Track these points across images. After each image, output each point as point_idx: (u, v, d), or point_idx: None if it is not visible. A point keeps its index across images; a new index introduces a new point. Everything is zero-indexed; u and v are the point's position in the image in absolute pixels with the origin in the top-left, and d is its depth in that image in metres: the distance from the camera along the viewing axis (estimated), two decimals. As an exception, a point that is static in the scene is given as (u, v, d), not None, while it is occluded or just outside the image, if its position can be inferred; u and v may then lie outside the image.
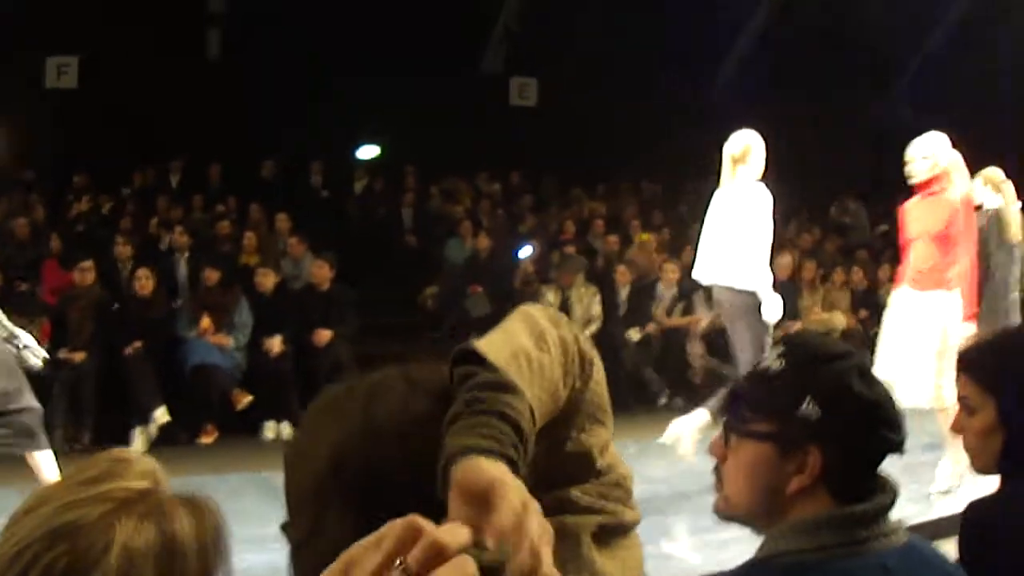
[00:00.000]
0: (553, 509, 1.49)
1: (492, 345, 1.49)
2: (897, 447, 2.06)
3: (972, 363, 2.75)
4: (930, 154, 8.20)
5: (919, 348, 8.08)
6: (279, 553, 5.17)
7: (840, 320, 14.59)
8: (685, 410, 12.56)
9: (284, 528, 1.52)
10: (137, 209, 15.06)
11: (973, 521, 2.59)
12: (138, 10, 15.78)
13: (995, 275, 10.53)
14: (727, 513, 2.20)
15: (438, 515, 1.17)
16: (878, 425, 2.02)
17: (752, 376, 2.16)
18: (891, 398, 2.06)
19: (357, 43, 17.30)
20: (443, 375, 1.47)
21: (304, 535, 1.45)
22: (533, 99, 19.96)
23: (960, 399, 2.75)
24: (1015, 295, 10.63)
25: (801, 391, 2.04)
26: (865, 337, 14.53)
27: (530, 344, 1.53)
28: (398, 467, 1.37)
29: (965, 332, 7.88)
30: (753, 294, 8.10)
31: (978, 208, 10.47)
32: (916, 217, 8.30)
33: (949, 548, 2.39)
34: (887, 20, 19.73)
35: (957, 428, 2.76)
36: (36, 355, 6.98)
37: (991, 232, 10.46)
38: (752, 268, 8.11)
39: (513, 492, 1.18)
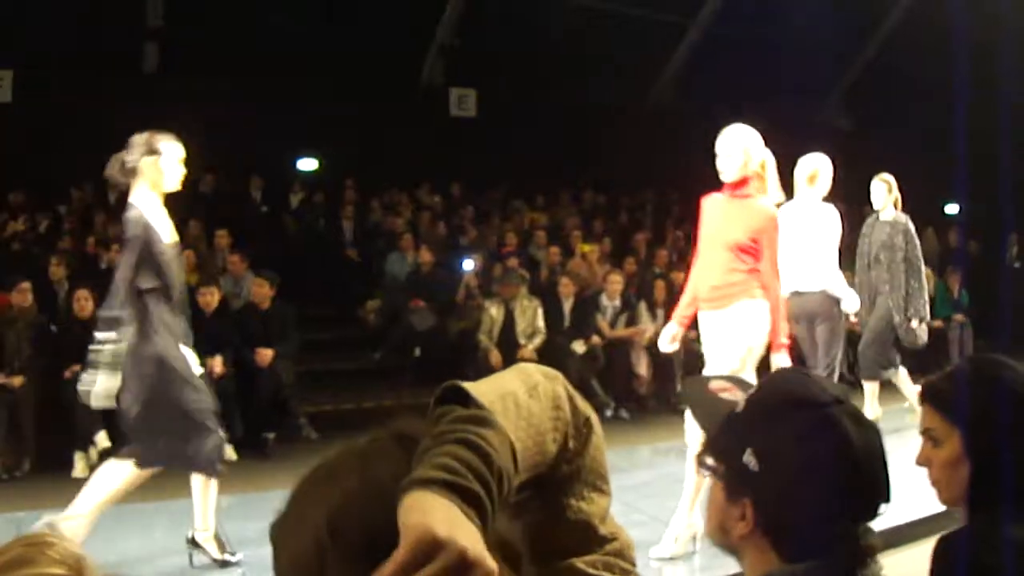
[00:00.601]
0: None
1: (478, 386, 1.44)
2: (859, 515, 1.95)
3: (936, 394, 2.71)
4: (739, 151, 7.17)
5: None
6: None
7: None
8: (632, 421, 12.61)
9: None
10: (75, 227, 14.86)
11: (944, 555, 2.55)
12: (74, 23, 15.59)
13: (894, 286, 10.62)
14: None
15: None
16: (824, 490, 1.91)
17: (729, 413, 2.10)
18: (858, 461, 1.92)
19: (296, 55, 17.20)
20: None
21: None
22: (472, 110, 19.92)
23: (924, 431, 2.71)
24: (924, 309, 10.68)
25: (746, 440, 1.98)
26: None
27: (520, 391, 1.48)
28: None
29: (779, 362, 6.96)
30: (832, 294, 9.34)
31: (874, 213, 10.76)
32: (718, 218, 7.26)
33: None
34: (824, 28, 19.85)
35: (923, 461, 2.72)
36: None
37: (893, 242, 10.56)
38: (826, 271, 9.31)
39: (412, 548, 1.13)
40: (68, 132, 15.45)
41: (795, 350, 9.65)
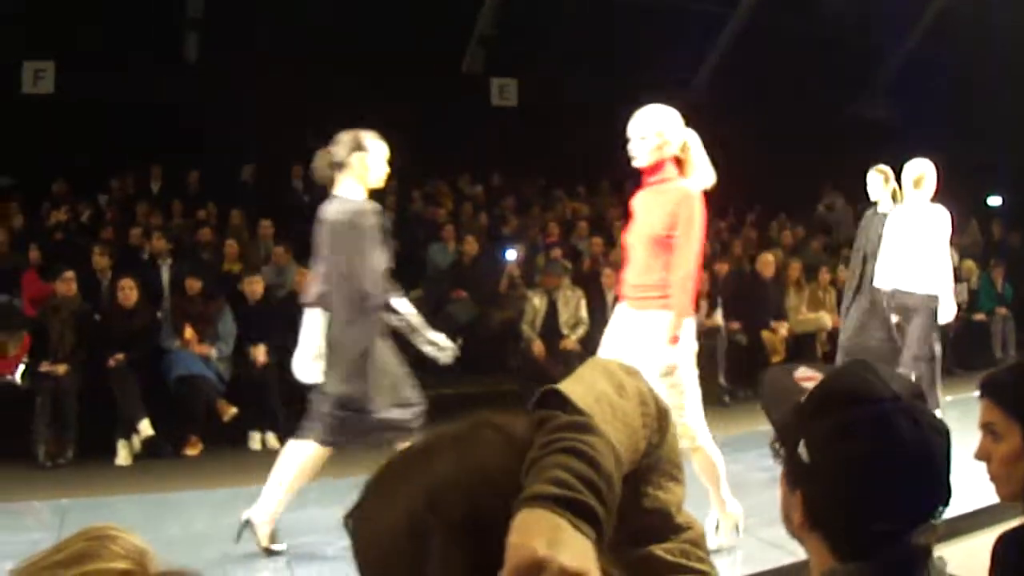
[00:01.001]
0: (641, 569, 1.47)
1: (574, 389, 1.43)
2: (911, 516, 1.89)
3: (997, 388, 2.68)
4: (651, 133, 6.66)
5: None
6: (267, 572, 5.07)
7: (827, 320, 14.52)
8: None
9: None
10: (117, 216, 14.92)
11: (1005, 554, 2.52)
12: (115, 14, 15.64)
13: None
14: None
15: None
16: (870, 487, 1.87)
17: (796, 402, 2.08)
18: (910, 460, 1.86)
19: (336, 45, 17.21)
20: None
21: None
22: (513, 99, 19.88)
23: (985, 425, 2.67)
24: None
25: (800, 433, 1.96)
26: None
27: (611, 390, 1.48)
28: (503, 516, 1.24)
29: (677, 357, 6.45)
30: (934, 297, 9.54)
31: (873, 205, 10.38)
32: (640, 212, 6.75)
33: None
34: (865, 16, 19.75)
35: (982, 455, 2.68)
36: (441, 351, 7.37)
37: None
38: (934, 275, 9.51)
39: (514, 569, 1.14)
40: (110, 122, 15.51)
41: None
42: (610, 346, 6.71)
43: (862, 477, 1.86)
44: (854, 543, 1.89)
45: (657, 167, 6.62)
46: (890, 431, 1.87)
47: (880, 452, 1.86)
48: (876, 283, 9.93)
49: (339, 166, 7.11)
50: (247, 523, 6.68)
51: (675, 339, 6.39)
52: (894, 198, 10.21)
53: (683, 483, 1.61)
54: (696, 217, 6.43)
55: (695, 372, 6.64)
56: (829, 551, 1.93)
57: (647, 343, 6.44)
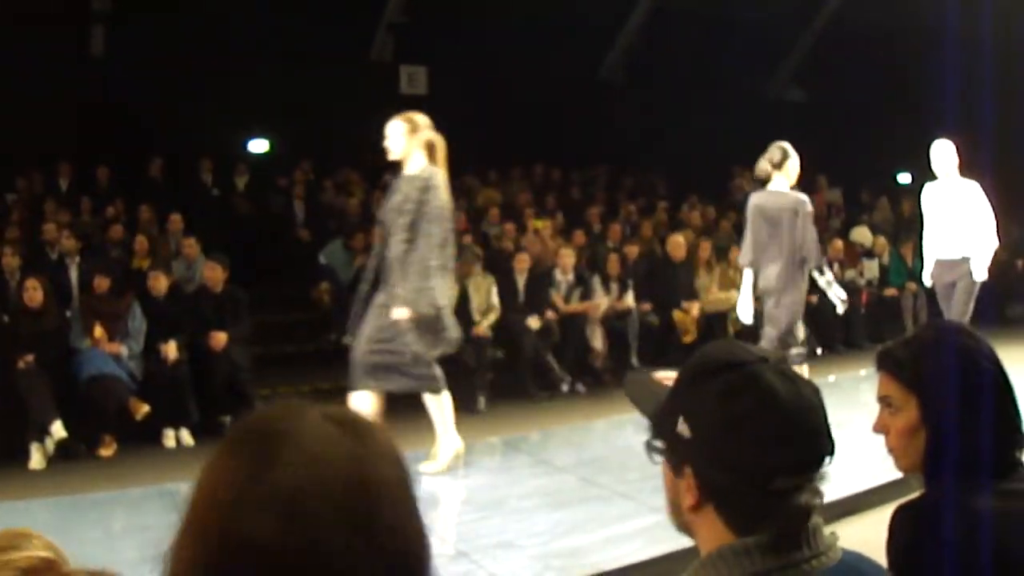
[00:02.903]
0: None
1: None
2: (799, 468, 1.91)
3: (893, 361, 2.72)
4: None
5: None
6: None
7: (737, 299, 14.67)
8: (588, 396, 12.64)
9: None
10: (24, 215, 14.69)
11: (901, 524, 2.56)
12: (19, 8, 15.40)
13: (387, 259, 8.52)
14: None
15: None
16: (754, 443, 1.88)
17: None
18: (786, 412, 1.89)
19: (244, 35, 17.07)
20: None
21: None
22: (423, 87, 19.81)
23: (882, 398, 2.72)
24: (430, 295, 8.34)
25: (677, 409, 1.99)
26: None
27: None
28: (280, 546, 1.23)
29: None
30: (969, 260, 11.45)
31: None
32: None
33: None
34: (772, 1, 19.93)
35: (880, 428, 2.72)
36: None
37: (404, 203, 8.63)
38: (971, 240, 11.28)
39: None
40: (16, 120, 15.26)
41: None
42: None
43: (744, 434, 1.89)
44: (750, 507, 1.91)
45: None
46: (762, 387, 1.91)
47: (757, 406, 1.89)
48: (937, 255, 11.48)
49: (777, 167, 9.86)
50: None
51: None
52: (432, 156, 8.89)
53: None
54: None
55: None
56: (724, 525, 1.95)
57: None
